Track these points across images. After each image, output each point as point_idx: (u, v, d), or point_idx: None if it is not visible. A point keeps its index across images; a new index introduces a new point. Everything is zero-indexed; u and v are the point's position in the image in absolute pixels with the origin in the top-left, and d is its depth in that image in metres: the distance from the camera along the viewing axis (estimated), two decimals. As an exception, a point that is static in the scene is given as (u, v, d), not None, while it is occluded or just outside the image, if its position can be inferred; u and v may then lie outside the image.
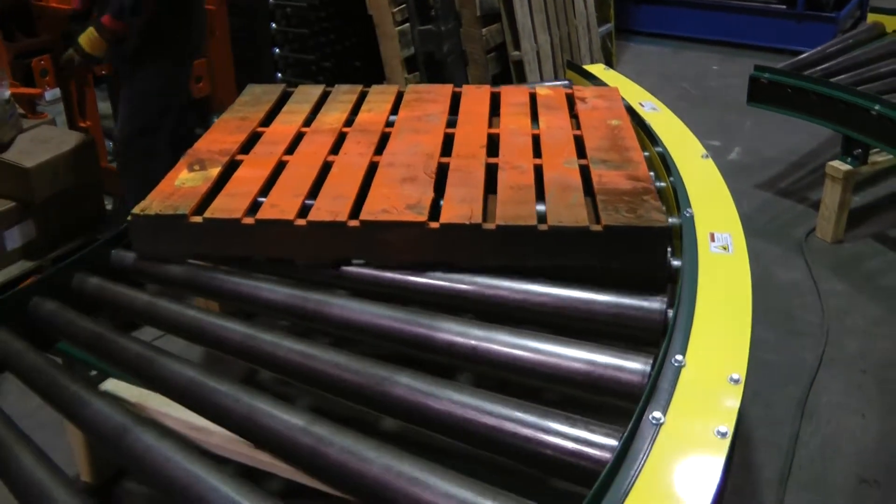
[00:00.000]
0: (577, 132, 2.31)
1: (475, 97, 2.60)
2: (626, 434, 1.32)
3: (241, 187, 2.05)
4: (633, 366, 1.56)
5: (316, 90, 2.72)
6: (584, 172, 2.05)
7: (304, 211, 1.93)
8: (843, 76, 3.55)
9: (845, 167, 3.31)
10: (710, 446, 1.32)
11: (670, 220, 2.01)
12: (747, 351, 1.55)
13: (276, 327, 1.88)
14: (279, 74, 4.03)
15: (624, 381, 1.56)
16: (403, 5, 3.84)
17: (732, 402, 1.42)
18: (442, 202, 1.94)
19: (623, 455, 1.28)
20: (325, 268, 1.95)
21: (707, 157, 2.41)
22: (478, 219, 1.83)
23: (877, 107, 3.11)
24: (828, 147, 4.23)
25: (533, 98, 2.58)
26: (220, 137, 2.35)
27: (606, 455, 1.34)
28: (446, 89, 2.66)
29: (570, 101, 2.57)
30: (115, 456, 1.62)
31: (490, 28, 4.15)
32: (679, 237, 1.94)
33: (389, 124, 2.43)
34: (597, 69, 3.23)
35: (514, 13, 4.12)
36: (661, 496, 1.22)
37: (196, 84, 3.72)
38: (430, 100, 2.57)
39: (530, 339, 1.63)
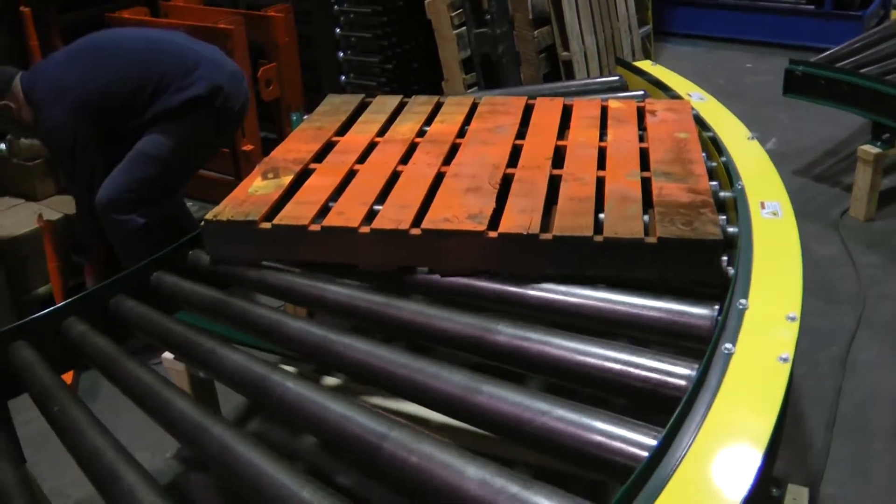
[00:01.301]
0: (644, 145, 2.33)
1: (547, 109, 2.62)
2: (704, 361, 1.57)
3: (311, 195, 2.12)
4: (702, 311, 1.80)
5: (393, 101, 2.79)
6: (646, 185, 2.07)
7: (369, 219, 2.00)
8: (871, 67, 3.78)
9: (875, 150, 3.56)
10: (775, 370, 1.58)
11: (724, 193, 2.27)
12: (800, 295, 1.79)
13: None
14: (343, 77, 4.31)
15: (694, 325, 1.81)
16: (460, 10, 4.12)
17: (790, 334, 1.68)
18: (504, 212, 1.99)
19: (703, 378, 1.50)
20: (390, 274, 2.02)
21: (753, 138, 2.66)
22: (535, 229, 1.87)
23: (902, 93, 3.37)
24: (857, 136, 4.45)
25: (604, 111, 2.60)
26: (296, 146, 2.44)
27: (685, 382, 1.56)
28: (520, 101, 2.69)
29: (641, 113, 2.58)
30: (255, 399, 1.82)
31: (541, 30, 4.42)
32: (734, 207, 2.21)
33: (461, 135, 2.48)
34: (644, 65, 3.47)
35: (563, 16, 4.39)
36: (737, 409, 1.44)
37: (266, 88, 4.01)
38: (503, 111, 2.61)
39: (608, 291, 1.82)
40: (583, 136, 2.41)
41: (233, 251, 2.09)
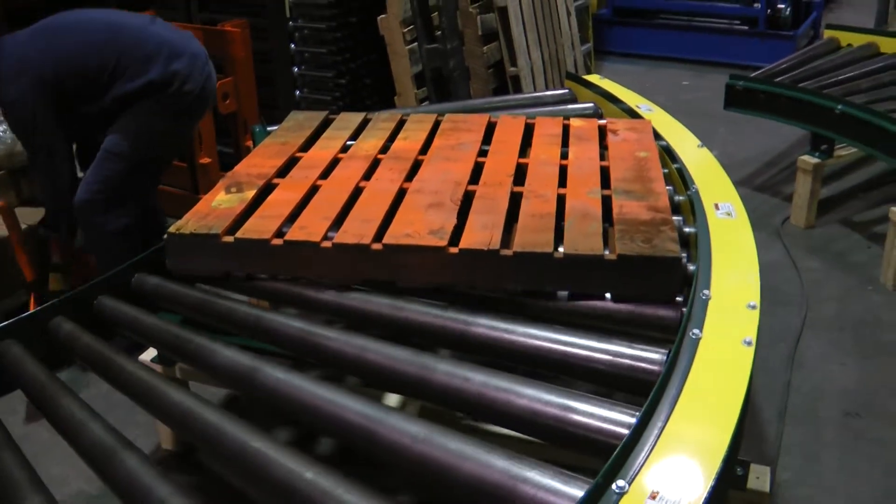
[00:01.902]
0: (605, 163, 2.35)
1: (509, 127, 2.66)
2: (675, 345, 1.66)
3: (274, 210, 2.13)
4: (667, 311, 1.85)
5: (356, 117, 2.81)
6: (607, 202, 2.10)
7: (331, 234, 2.01)
8: (807, 82, 3.98)
9: (814, 160, 3.74)
10: (740, 352, 1.68)
11: (678, 197, 2.37)
12: (758, 285, 1.91)
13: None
14: (298, 92, 4.36)
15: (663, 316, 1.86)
16: (412, 26, 4.21)
17: (752, 320, 1.79)
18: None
19: (674, 360, 1.59)
20: (350, 288, 2.01)
21: (702, 146, 2.80)
22: (496, 245, 1.88)
23: (839, 107, 3.54)
24: (794, 148, 4.66)
25: (566, 129, 2.64)
26: (260, 161, 2.44)
27: (658, 367, 1.64)
28: (482, 119, 2.72)
29: (602, 132, 2.62)
30: (248, 392, 1.83)
31: (490, 46, 4.54)
32: (690, 209, 2.32)
33: (424, 151, 2.49)
34: (593, 78, 3.60)
35: (510, 32, 4.51)
36: (707, 388, 1.53)
37: (223, 101, 4.04)
38: (466, 129, 2.64)
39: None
40: (544, 153, 2.44)
41: (196, 264, 2.09)
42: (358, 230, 1.99)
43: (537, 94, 3.74)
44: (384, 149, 2.54)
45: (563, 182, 2.23)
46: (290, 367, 1.78)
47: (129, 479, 1.51)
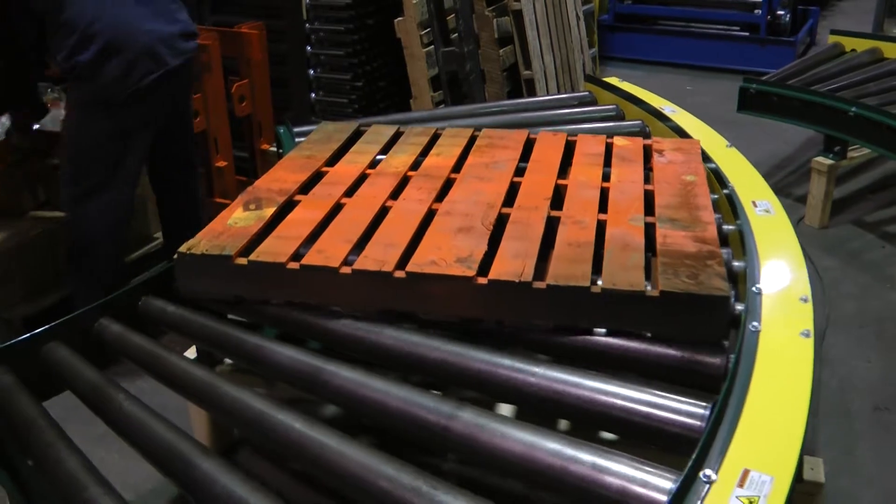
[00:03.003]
0: (649, 187, 2.21)
1: (548, 145, 2.50)
2: (739, 341, 1.70)
3: (293, 230, 1.99)
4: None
5: (388, 130, 2.67)
6: (650, 231, 1.96)
7: (351, 258, 1.87)
8: (818, 86, 4.05)
9: (828, 162, 3.82)
10: (800, 343, 1.72)
11: (714, 196, 2.38)
12: (807, 277, 1.96)
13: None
14: (313, 94, 4.39)
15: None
16: (429, 29, 4.25)
17: (807, 313, 1.83)
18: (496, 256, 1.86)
19: (739, 353, 1.62)
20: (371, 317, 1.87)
21: (731, 146, 2.86)
22: (528, 276, 1.74)
23: (853, 109, 3.61)
24: (801, 152, 4.77)
25: (608, 148, 2.49)
26: (283, 175, 2.31)
27: (721, 360, 1.66)
28: (520, 135, 2.58)
29: (647, 152, 2.47)
30: (310, 391, 1.78)
31: (505, 49, 4.60)
32: (731, 205, 2.35)
33: (457, 169, 2.36)
34: (613, 81, 3.66)
35: (525, 36, 4.57)
36: (773, 379, 1.57)
37: (240, 104, 4.06)
38: (502, 146, 2.49)
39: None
40: (585, 174, 2.29)
41: (206, 287, 1.95)
42: (380, 255, 1.85)
43: (559, 96, 3.77)
44: (415, 165, 2.41)
45: (603, 207, 2.09)
46: (355, 367, 1.76)
47: (207, 482, 1.48)
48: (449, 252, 1.85)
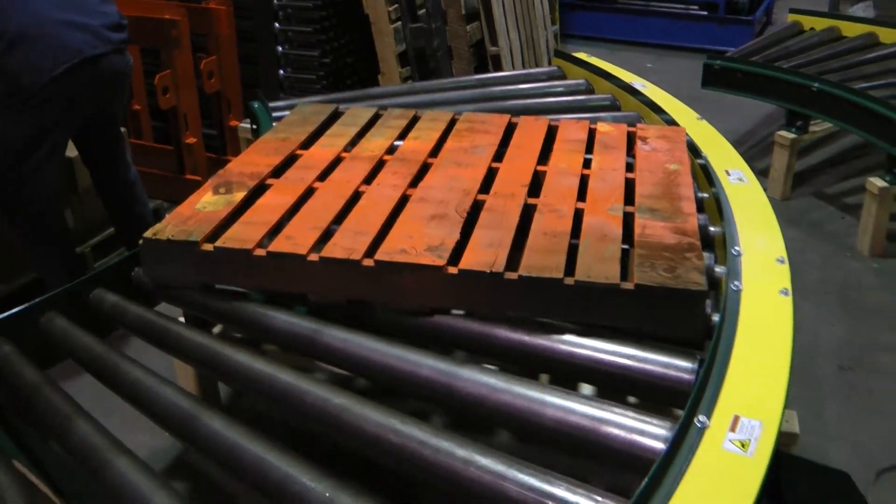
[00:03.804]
0: (631, 175, 2.16)
1: (530, 130, 2.45)
2: (723, 298, 1.75)
3: (262, 215, 1.94)
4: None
5: (367, 113, 2.62)
6: (629, 221, 1.91)
7: (320, 245, 1.82)
8: (780, 62, 4.14)
9: (791, 136, 3.93)
10: (779, 300, 1.80)
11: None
12: (781, 240, 2.04)
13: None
14: (282, 71, 4.38)
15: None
16: (396, 5, 4.26)
17: (784, 273, 1.91)
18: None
19: (724, 309, 1.71)
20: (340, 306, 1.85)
21: (701, 119, 2.94)
22: (500, 267, 1.69)
23: (816, 84, 3.71)
24: (760, 127, 4.90)
25: (591, 134, 2.44)
26: (255, 159, 2.26)
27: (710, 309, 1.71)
28: (502, 120, 2.52)
29: (631, 139, 2.42)
30: (308, 352, 1.79)
31: (472, 25, 4.63)
32: (706, 175, 2.42)
33: (434, 154, 2.30)
34: (582, 56, 3.72)
35: (491, 13, 4.61)
36: (756, 334, 1.66)
37: (208, 80, 4.04)
38: (482, 130, 2.44)
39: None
40: (565, 161, 2.24)
41: (173, 274, 1.89)
42: (349, 243, 1.80)
43: (528, 71, 3.81)
44: (392, 148, 2.36)
45: (582, 195, 2.05)
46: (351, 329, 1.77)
47: (216, 439, 1.52)
48: (420, 240, 1.80)
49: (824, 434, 2.52)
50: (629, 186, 2.10)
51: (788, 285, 1.86)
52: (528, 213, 1.95)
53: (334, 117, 2.61)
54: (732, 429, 1.40)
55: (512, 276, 1.68)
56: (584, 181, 2.13)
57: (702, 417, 1.40)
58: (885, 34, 4.43)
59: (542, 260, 1.72)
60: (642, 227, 1.86)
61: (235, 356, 1.71)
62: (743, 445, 1.37)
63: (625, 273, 1.71)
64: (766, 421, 1.42)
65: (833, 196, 4.09)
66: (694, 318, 1.64)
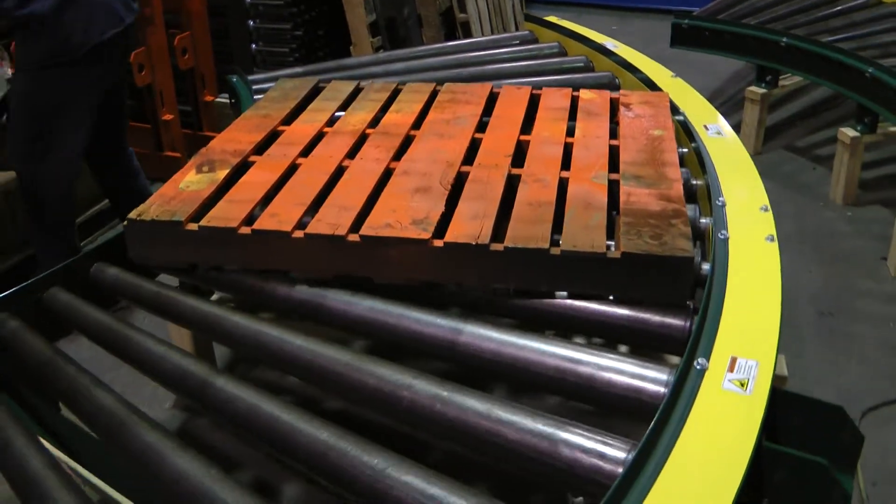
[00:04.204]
0: (615, 142, 2.15)
1: (512, 99, 2.44)
2: (713, 248, 1.81)
3: (246, 193, 1.92)
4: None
5: (347, 86, 2.59)
6: (614, 188, 1.90)
7: (304, 222, 1.81)
8: (747, 19, 4.22)
9: (761, 91, 4.00)
10: (766, 246, 1.85)
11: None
12: (763, 189, 2.11)
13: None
14: (254, 45, 4.37)
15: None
16: (366, -25, 4.26)
17: (768, 221, 1.98)
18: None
19: (714, 260, 1.76)
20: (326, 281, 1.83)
21: (675, 76, 2.99)
22: (485, 239, 1.68)
23: (785, 39, 3.78)
24: (731, 83, 4.99)
25: (574, 102, 2.43)
26: (237, 136, 2.23)
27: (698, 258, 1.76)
28: (483, 90, 2.50)
29: (614, 106, 2.41)
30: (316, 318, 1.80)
31: (440, -8, 4.64)
32: (686, 130, 2.47)
33: (417, 126, 2.29)
34: (553, 19, 3.75)
35: (460, -21, 4.62)
36: (748, 280, 1.72)
37: (182, 56, 4.03)
38: (464, 101, 2.43)
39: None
40: (548, 130, 2.23)
41: (158, 254, 1.88)
42: (334, 218, 1.78)
43: (500, 35, 3.84)
44: (375, 122, 2.35)
45: (566, 164, 2.03)
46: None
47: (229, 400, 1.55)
48: (405, 214, 1.79)
49: (809, 378, 2.61)
50: (613, 153, 2.10)
51: (773, 231, 1.92)
52: (512, 184, 1.94)
53: (316, 92, 2.59)
54: (730, 369, 1.46)
55: (497, 247, 1.68)
56: (567, 149, 2.11)
57: (701, 360, 1.46)
58: (849, -13, 4.50)
59: (527, 230, 1.71)
60: (627, 194, 1.87)
61: (246, 323, 1.75)
62: (742, 384, 1.43)
63: (612, 241, 1.72)
64: (762, 360, 1.49)
65: (804, 148, 4.18)
66: (681, 285, 1.65)
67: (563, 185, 1.92)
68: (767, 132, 4.18)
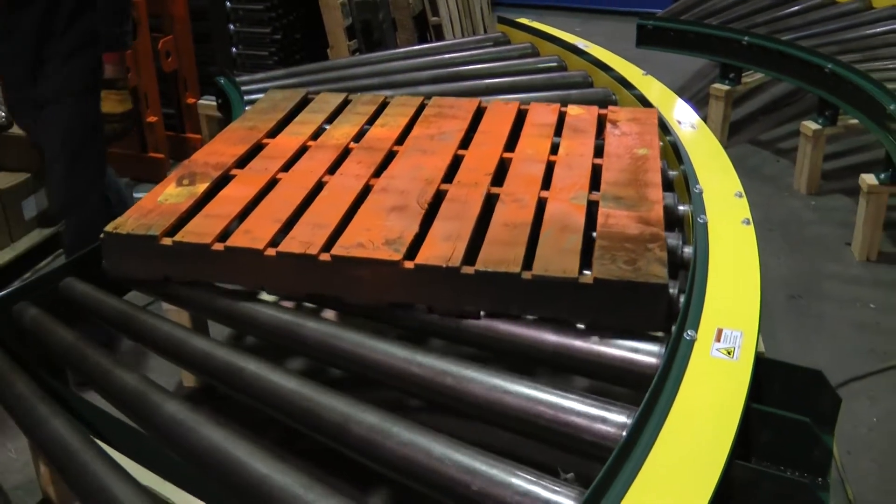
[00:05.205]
0: (599, 161, 2.12)
1: (499, 115, 2.42)
2: (693, 234, 1.94)
3: (223, 208, 1.90)
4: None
5: (336, 98, 2.58)
6: (593, 210, 1.88)
7: (278, 239, 1.79)
8: (709, 19, 4.38)
9: (725, 87, 4.16)
10: (742, 229, 1.97)
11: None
12: (736, 177, 2.24)
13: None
14: (234, 49, 4.44)
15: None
16: (342, -20, 4.37)
17: (743, 205, 2.10)
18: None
19: (695, 240, 1.89)
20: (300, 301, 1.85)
21: (647, 74, 3.12)
22: (456, 261, 1.65)
23: (746, 38, 3.96)
24: (694, 81, 5.17)
25: (562, 118, 2.41)
26: (221, 148, 2.21)
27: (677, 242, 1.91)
28: (471, 104, 2.48)
29: (602, 122, 2.39)
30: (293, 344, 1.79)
31: (413, -3, 4.76)
32: (661, 125, 2.59)
33: (401, 141, 2.27)
34: (524, 21, 3.86)
35: (431, -17, 4.75)
36: (727, 260, 1.84)
37: (166, 59, 4.10)
38: (451, 115, 2.41)
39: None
40: (532, 147, 2.20)
41: (133, 268, 1.87)
42: (307, 237, 1.76)
43: (474, 38, 3.96)
44: (359, 136, 2.33)
45: (547, 183, 2.01)
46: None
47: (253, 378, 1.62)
48: (378, 233, 1.76)
49: (783, 356, 2.68)
50: (596, 173, 2.07)
51: (749, 215, 2.05)
52: (491, 203, 1.92)
53: (304, 104, 2.58)
54: (717, 339, 1.59)
55: (469, 270, 1.65)
56: (550, 168, 2.09)
57: (690, 332, 1.58)
58: (805, -14, 4.69)
59: (500, 253, 1.68)
60: (606, 216, 1.83)
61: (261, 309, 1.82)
62: (728, 353, 1.56)
63: (588, 264, 1.68)
64: (745, 330, 1.61)
65: (767, 142, 4.36)
66: (655, 312, 1.61)
67: (541, 206, 1.90)
68: (732, 127, 4.35)
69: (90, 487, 1.42)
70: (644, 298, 1.59)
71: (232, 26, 4.38)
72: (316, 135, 2.35)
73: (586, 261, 1.69)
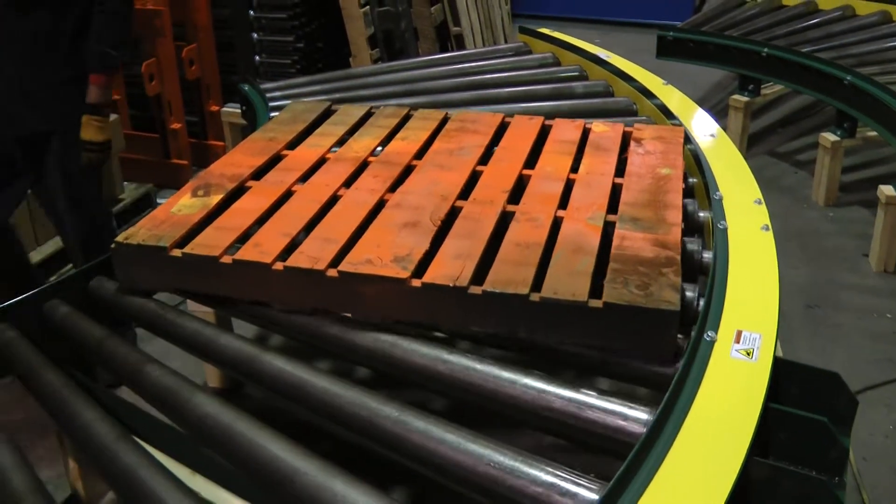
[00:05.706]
0: (620, 180, 2.05)
1: (521, 130, 2.35)
2: (714, 239, 1.98)
3: (234, 220, 1.87)
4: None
5: (359, 111, 2.54)
6: (609, 231, 1.81)
7: (287, 253, 1.76)
8: (730, 31, 4.42)
9: (745, 99, 4.19)
10: (762, 235, 2.01)
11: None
12: (756, 185, 2.27)
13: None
14: (257, 57, 4.51)
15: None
16: (364, -10, 4.43)
17: (762, 212, 2.13)
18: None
19: (715, 245, 1.91)
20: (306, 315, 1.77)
21: (667, 84, 3.15)
22: (464, 281, 1.60)
23: (766, 50, 3.98)
24: (712, 93, 5.20)
25: (585, 135, 2.34)
26: (239, 159, 2.20)
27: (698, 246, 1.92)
28: (494, 119, 2.43)
29: (626, 140, 2.31)
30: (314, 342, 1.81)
31: (435, 7, 4.81)
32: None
33: (420, 156, 2.22)
34: (546, 31, 3.90)
35: (453, -6, 4.81)
36: (747, 264, 1.86)
37: (190, 67, 4.17)
38: (472, 130, 2.35)
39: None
40: (552, 164, 2.14)
41: (145, 278, 1.86)
42: (316, 251, 1.73)
43: (496, 47, 4.00)
44: (378, 149, 2.30)
45: (565, 202, 1.94)
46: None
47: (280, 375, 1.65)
48: (388, 250, 1.72)
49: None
50: (616, 192, 2.00)
51: (768, 222, 2.08)
52: (505, 221, 1.87)
53: (326, 115, 2.55)
54: (737, 341, 1.61)
55: (476, 290, 1.60)
56: (569, 186, 2.03)
57: (710, 333, 1.61)
58: (823, 0, 4.72)
59: (510, 273, 1.63)
60: (621, 238, 1.77)
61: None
62: (748, 354, 1.58)
63: (595, 290, 1.60)
64: (764, 333, 1.64)
65: (785, 154, 4.38)
66: (665, 339, 1.55)
67: (556, 225, 1.84)
68: (750, 139, 4.38)
69: (124, 479, 1.45)
70: (654, 325, 1.54)
71: (255, 35, 4.44)
72: (336, 147, 2.33)
73: (599, 284, 1.63)
